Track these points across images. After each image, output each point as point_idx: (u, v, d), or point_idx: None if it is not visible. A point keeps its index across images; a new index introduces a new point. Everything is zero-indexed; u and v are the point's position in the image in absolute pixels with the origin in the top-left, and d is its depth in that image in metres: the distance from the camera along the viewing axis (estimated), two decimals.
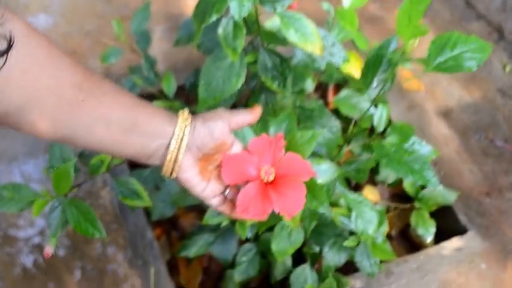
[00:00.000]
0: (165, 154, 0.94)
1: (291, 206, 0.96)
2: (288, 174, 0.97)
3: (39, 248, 1.91)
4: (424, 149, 1.54)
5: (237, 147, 1.01)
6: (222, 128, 0.96)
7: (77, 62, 0.85)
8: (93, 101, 0.84)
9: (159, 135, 0.92)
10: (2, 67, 0.72)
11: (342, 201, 1.50)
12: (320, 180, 1.09)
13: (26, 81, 0.76)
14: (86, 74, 0.84)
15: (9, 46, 0.72)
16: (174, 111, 1.66)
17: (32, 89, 0.77)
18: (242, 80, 1.29)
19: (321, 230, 1.51)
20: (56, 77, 0.80)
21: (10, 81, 0.74)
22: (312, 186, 1.01)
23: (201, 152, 0.96)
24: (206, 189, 1.00)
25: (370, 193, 2.07)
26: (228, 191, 1.03)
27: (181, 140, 0.93)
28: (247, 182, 0.98)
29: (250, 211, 0.96)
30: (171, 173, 0.96)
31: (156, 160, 0.95)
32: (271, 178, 0.98)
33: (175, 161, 0.94)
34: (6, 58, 0.72)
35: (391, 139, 1.47)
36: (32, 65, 0.76)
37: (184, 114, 0.95)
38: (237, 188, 1.03)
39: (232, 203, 1.04)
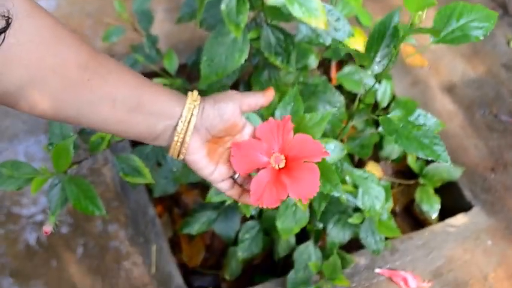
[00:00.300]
0: (172, 135, 0.92)
1: (306, 190, 0.93)
2: (300, 157, 0.94)
3: (42, 225, 1.90)
4: (429, 121, 1.53)
5: (248, 130, 0.98)
6: (233, 109, 0.93)
7: (83, 41, 0.83)
8: (98, 80, 0.83)
9: (166, 116, 0.90)
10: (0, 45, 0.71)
11: (347, 178, 1.49)
12: (329, 159, 1.08)
13: (29, 61, 0.75)
14: (91, 53, 0.83)
15: (7, 25, 0.71)
16: (176, 89, 1.65)
17: (35, 69, 0.76)
18: (245, 55, 1.28)
19: (325, 207, 1.50)
20: (60, 57, 0.78)
21: (12, 61, 0.73)
22: (324, 169, 0.99)
23: (210, 133, 0.94)
24: (214, 172, 0.98)
25: (373, 169, 2.06)
26: (237, 175, 1.02)
27: (189, 121, 0.91)
28: (258, 170, 0.96)
29: (265, 199, 0.94)
30: (178, 155, 0.94)
31: (163, 142, 0.93)
32: (282, 165, 0.95)
33: (183, 142, 0.92)
34: (4, 37, 0.71)
35: (395, 114, 1.45)
36: (37, 45, 0.75)
37: (194, 95, 0.93)
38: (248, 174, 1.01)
39: (242, 188, 1.02)
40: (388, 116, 1.18)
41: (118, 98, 0.85)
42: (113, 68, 0.86)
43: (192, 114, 0.90)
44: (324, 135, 1.10)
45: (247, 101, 0.95)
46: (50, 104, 0.80)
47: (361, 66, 1.29)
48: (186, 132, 0.91)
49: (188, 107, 0.91)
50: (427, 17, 1.07)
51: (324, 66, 2.24)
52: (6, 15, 0.70)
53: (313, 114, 1.01)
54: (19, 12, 0.72)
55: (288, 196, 0.93)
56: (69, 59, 0.79)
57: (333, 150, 1.10)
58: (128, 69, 0.89)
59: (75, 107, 0.83)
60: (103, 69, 0.84)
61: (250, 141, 0.97)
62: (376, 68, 1.21)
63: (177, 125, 0.90)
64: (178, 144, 0.92)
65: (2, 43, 0.71)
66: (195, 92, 0.93)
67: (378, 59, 1.21)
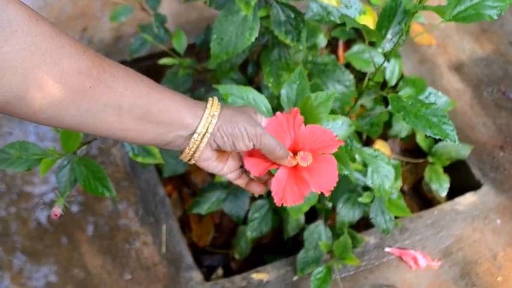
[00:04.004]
0: (183, 144, 0.91)
1: (326, 181, 0.92)
2: (315, 149, 0.93)
3: (53, 203, 1.91)
4: (440, 100, 1.52)
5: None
6: (247, 145, 0.91)
7: (87, 48, 0.81)
8: (102, 88, 0.81)
9: (177, 126, 0.89)
10: None
11: (356, 157, 1.48)
12: (338, 136, 1.07)
13: (25, 70, 0.73)
14: (95, 61, 0.81)
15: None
16: (184, 68, 1.64)
17: (32, 78, 0.74)
18: (256, 34, 1.27)
19: None
20: (59, 66, 0.76)
21: (6, 70, 0.72)
22: None
23: (220, 148, 0.93)
24: (223, 169, 0.98)
25: (381, 148, 2.05)
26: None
27: (202, 138, 0.89)
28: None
29: (288, 198, 0.92)
30: (189, 160, 0.94)
31: (174, 147, 0.92)
32: (293, 162, 0.93)
33: (194, 153, 0.91)
34: None
35: (404, 92, 1.44)
36: (32, 53, 0.74)
37: (212, 109, 0.90)
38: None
39: (253, 181, 1.01)
40: (400, 94, 1.17)
41: (124, 106, 0.84)
42: (120, 75, 0.84)
43: (207, 131, 0.89)
44: (333, 113, 1.09)
45: (264, 141, 0.91)
46: (51, 112, 0.79)
47: (371, 44, 1.29)
48: (198, 147, 0.90)
49: (203, 124, 0.89)
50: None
51: (332, 45, 2.23)
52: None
53: (319, 93, 1.00)
54: (15, 20, 0.72)
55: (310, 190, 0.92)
56: (68, 68, 0.77)
57: (341, 126, 1.09)
58: (138, 75, 0.87)
59: (78, 114, 0.81)
60: (107, 76, 0.82)
61: None
62: (387, 45, 1.20)
63: (190, 135, 0.89)
64: (190, 153, 0.91)
65: None
66: (214, 107, 0.91)
67: (389, 36, 1.19)
